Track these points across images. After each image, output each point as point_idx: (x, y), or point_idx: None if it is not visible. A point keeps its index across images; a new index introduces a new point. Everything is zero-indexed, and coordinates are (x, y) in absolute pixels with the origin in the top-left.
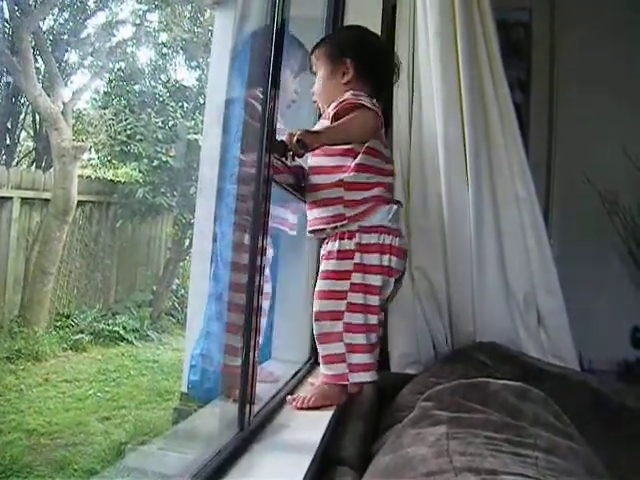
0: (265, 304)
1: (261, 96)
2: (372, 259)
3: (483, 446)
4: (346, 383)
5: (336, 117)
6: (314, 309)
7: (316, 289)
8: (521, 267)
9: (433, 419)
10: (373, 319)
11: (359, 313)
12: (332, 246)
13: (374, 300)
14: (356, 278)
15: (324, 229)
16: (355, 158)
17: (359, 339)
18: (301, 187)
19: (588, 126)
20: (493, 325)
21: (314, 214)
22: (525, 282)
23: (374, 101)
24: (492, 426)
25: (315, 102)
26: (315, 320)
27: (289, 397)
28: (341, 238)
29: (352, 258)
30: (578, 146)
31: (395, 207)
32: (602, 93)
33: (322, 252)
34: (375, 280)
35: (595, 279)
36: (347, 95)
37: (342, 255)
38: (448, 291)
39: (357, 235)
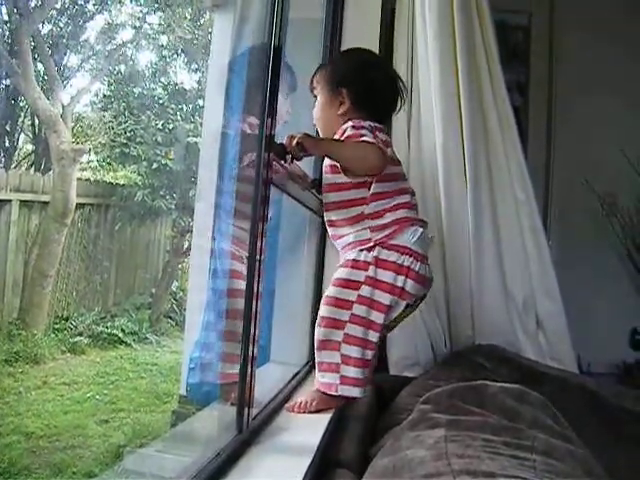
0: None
1: (257, 123)
2: (386, 276)
3: (481, 449)
4: (334, 394)
5: None
6: (319, 314)
7: (325, 294)
8: (520, 270)
9: (431, 422)
10: (373, 336)
11: (360, 326)
12: (350, 255)
13: (379, 317)
14: (364, 291)
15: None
16: (369, 189)
17: (355, 352)
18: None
19: (587, 128)
20: (492, 328)
21: (338, 231)
22: (524, 285)
23: (378, 131)
24: (490, 429)
25: (314, 125)
26: (317, 325)
27: (287, 405)
28: (360, 250)
29: (366, 270)
30: (577, 149)
31: (420, 230)
32: (601, 96)
33: (341, 260)
34: (384, 298)
35: (594, 281)
36: (349, 130)
37: (356, 265)
38: (447, 294)
39: (376, 249)
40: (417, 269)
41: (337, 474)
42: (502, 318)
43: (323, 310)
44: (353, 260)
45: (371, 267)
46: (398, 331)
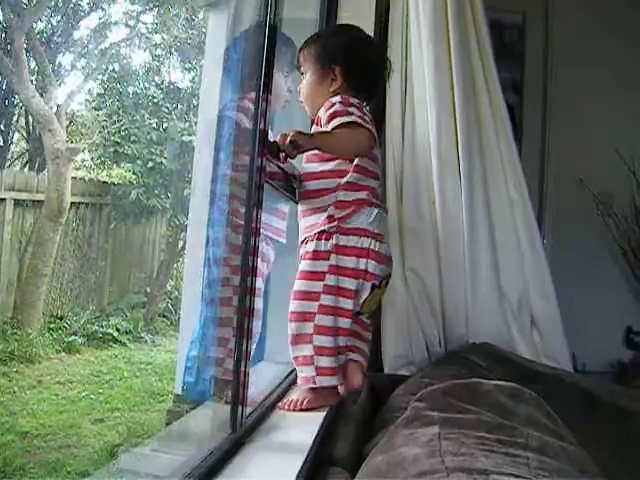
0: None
1: (252, 107)
2: (348, 262)
3: (475, 446)
4: (314, 386)
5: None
6: (289, 309)
7: (292, 289)
8: (514, 269)
9: (426, 419)
10: (344, 322)
11: (329, 315)
12: (310, 246)
13: (347, 303)
14: (329, 280)
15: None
16: (352, 162)
17: (327, 342)
18: (294, 190)
19: (582, 128)
20: (486, 326)
21: (309, 221)
22: (518, 284)
23: (366, 109)
24: (484, 426)
25: (301, 102)
26: (289, 321)
27: (279, 404)
28: (318, 239)
29: (327, 259)
30: (571, 148)
31: (376, 210)
32: (596, 95)
33: (301, 252)
34: (349, 283)
35: (588, 280)
36: (337, 105)
37: (318, 256)
38: (441, 293)
39: (334, 236)
40: (377, 249)
41: (331, 472)
42: (497, 317)
43: (292, 305)
44: (314, 251)
45: (332, 255)
46: (393, 330)
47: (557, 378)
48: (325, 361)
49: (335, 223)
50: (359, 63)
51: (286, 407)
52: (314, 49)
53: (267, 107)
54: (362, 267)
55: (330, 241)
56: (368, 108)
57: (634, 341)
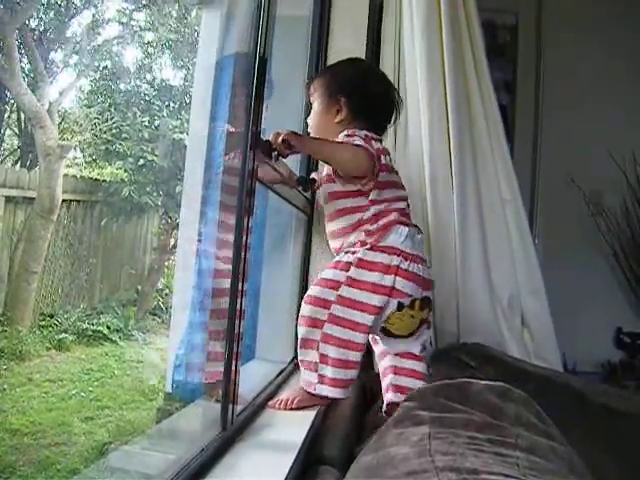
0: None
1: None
2: (369, 276)
3: (465, 446)
4: (313, 392)
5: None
6: (300, 312)
7: (307, 293)
8: (505, 268)
9: (416, 419)
10: (359, 337)
11: (339, 327)
12: (338, 257)
13: (363, 318)
14: (344, 291)
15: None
16: (368, 197)
17: (333, 352)
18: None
19: (573, 128)
20: (477, 326)
21: (337, 243)
22: (509, 283)
23: (373, 140)
24: (474, 426)
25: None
26: (299, 324)
27: (270, 402)
28: (346, 252)
29: (347, 271)
30: (563, 148)
31: (407, 230)
32: (587, 95)
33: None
34: (367, 297)
35: (579, 280)
36: (342, 138)
37: (338, 266)
38: (432, 292)
39: (361, 251)
40: (406, 267)
41: (321, 471)
42: (487, 317)
43: (303, 309)
44: (336, 262)
45: (352, 268)
46: None
47: (548, 378)
48: (329, 371)
49: (367, 246)
50: (365, 94)
51: (276, 406)
52: (324, 80)
53: (260, 107)
54: (388, 284)
55: (355, 255)
56: (377, 141)
57: (624, 342)
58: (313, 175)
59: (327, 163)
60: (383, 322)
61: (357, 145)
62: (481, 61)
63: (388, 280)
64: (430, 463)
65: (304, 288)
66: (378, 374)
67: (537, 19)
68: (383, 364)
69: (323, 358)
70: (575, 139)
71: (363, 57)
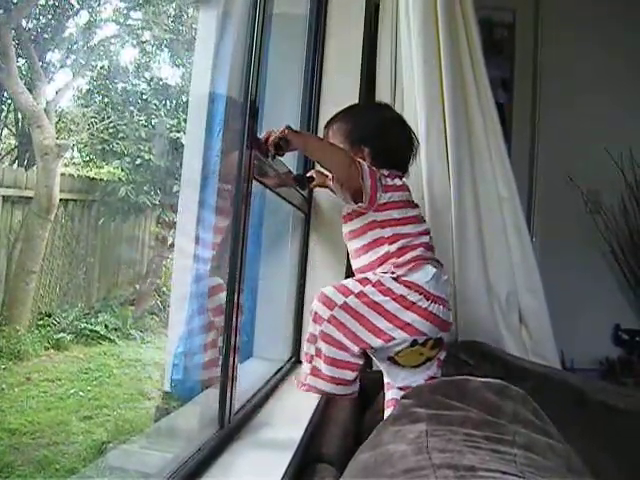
0: None
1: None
2: (382, 300)
3: (462, 443)
4: (303, 386)
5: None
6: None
7: (321, 290)
8: (503, 266)
9: (413, 416)
10: (355, 349)
11: (338, 331)
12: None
13: (370, 339)
14: (352, 302)
15: None
16: (384, 228)
17: (326, 350)
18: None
19: (571, 126)
20: (475, 324)
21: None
22: (507, 281)
23: (390, 177)
24: (471, 423)
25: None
26: (311, 320)
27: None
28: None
29: (363, 285)
30: (561, 146)
31: (434, 270)
32: (585, 93)
33: None
34: (377, 320)
35: (577, 278)
36: None
37: (359, 279)
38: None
39: (385, 277)
40: (425, 306)
41: (318, 469)
42: (485, 314)
43: (314, 305)
44: (363, 278)
45: (368, 286)
46: None
47: (546, 375)
48: (323, 367)
49: (394, 275)
50: (388, 145)
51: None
52: (345, 126)
53: (256, 99)
54: (404, 318)
55: (377, 277)
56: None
57: (622, 338)
58: (310, 173)
59: (320, 163)
60: (393, 354)
61: (357, 160)
62: (478, 59)
63: (404, 314)
64: (427, 460)
65: (302, 286)
66: (376, 371)
67: (534, 16)
68: (387, 396)
69: (318, 352)
70: (573, 137)
71: (359, 55)
